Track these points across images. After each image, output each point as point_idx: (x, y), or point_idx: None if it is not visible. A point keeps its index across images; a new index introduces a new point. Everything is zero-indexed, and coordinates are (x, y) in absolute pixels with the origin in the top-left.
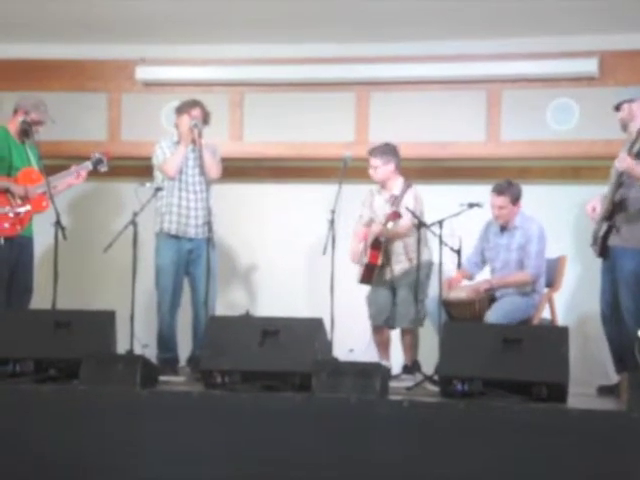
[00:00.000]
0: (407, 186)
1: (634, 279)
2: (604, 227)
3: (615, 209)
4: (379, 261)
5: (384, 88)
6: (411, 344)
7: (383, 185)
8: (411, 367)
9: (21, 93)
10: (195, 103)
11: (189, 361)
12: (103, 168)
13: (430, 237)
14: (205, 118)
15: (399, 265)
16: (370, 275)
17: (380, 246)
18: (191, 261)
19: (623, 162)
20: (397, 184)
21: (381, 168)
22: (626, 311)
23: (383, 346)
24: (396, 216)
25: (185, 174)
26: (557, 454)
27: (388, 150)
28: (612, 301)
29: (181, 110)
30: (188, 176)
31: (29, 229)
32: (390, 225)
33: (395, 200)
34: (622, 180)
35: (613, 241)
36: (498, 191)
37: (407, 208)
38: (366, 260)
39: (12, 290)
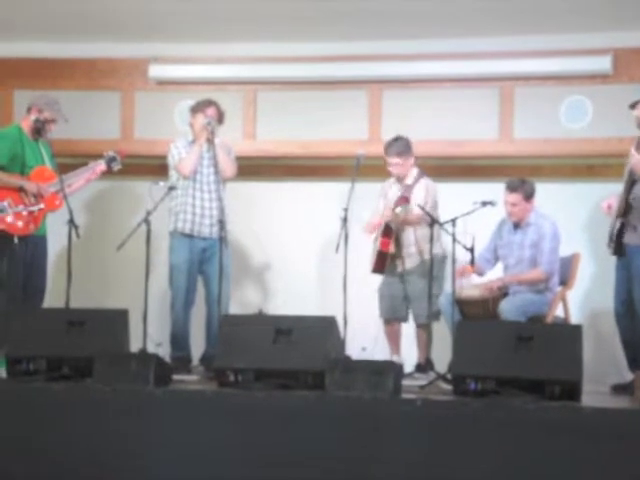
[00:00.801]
0: (420, 176)
1: None
2: (618, 225)
3: (629, 207)
4: (390, 248)
5: (397, 86)
6: (426, 341)
7: (400, 179)
8: (424, 366)
9: (35, 92)
10: (210, 102)
11: (202, 360)
12: (117, 166)
13: (443, 233)
14: (220, 117)
15: (410, 258)
16: (382, 264)
17: (391, 233)
18: (205, 260)
19: (632, 158)
20: (412, 175)
21: (402, 165)
22: None
23: (394, 339)
24: (404, 201)
25: (200, 173)
26: (571, 452)
27: (405, 147)
28: (626, 299)
29: (196, 109)
30: (203, 175)
31: (43, 228)
32: (399, 210)
33: (407, 189)
34: (635, 178)
35: (628, 239)
36: (511, 188)
37: (418, 205)
38: (378, 247)
39: (28, 290)
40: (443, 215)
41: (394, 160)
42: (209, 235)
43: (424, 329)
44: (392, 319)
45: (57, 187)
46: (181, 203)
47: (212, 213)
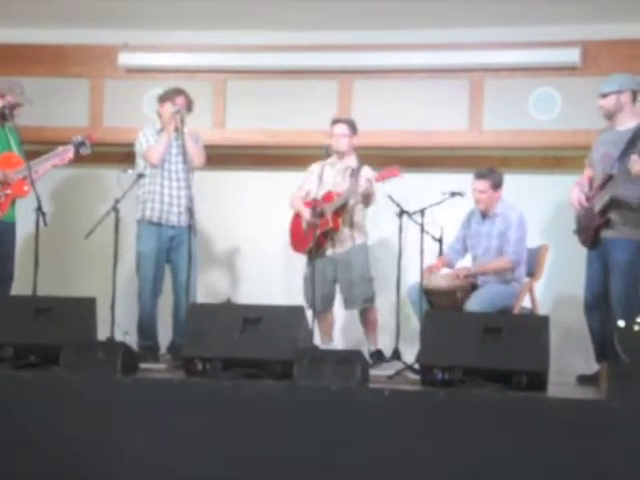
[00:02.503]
0: (361, 162)
1: (628, 269)
2: (598, 220)
3: (612, 204)
4: (340, 226)
5: (367, 76)
6: (376, 323)
7: (341, 156)
8: (379, 353)
9: (4, 78)
10: (179, 91)
11: (170, 349)
12: (86, 151)
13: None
14: (188, 106)
15: (343, 243)
16: (322, 244)
17: (344, 212)
18: (173, 248)
19: (635, 164)
20: (353, 158)
21: (349, 138)
22: (616, 301)
23: (329, 329)
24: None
25: (168, 162)
26: (536, 443)
27: (353, 123)
28: (599, 291)
29: (164, 98)
30: (171, 164)
31: (11, 214)
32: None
33: (353, 172)
34: (613, 172)
35: (607, 233)
36: (479, 175)
37: (389, 196)
38: (330, 226)
39: None
40: (412, 206)
41: (341, 130)
42: (177, 223)
43: (371, 312)
44: (327, 307)
45: (25, 173)
46: (149, 191)
47: (180, 202)
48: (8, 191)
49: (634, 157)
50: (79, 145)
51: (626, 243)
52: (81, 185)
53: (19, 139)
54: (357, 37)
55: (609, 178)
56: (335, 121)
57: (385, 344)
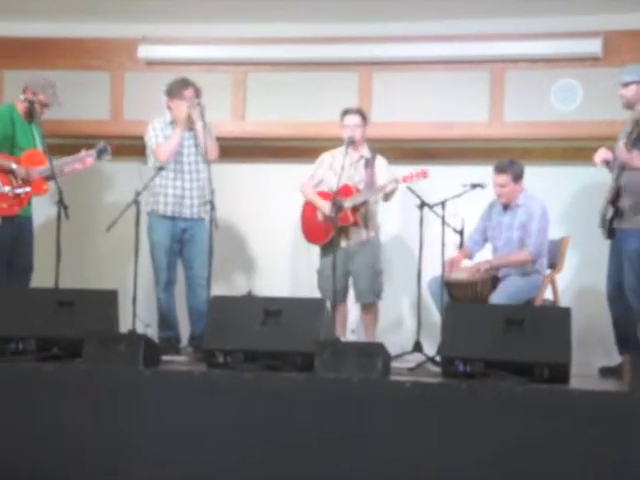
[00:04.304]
0: (373, 152)
1: (638, 259)
2: (610, 211)
3: (619, 192)
4: (358, 219)
5: (387, 68)
6: (377, 318)
7: (355, 147)
8: None
9: (27, 71)
10: (185, 83)
11: (190, 340)
12: (107, 157)
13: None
14: (197, 94)
15: (356, 235)
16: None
17: (362, 207)
18: (185, 240)
19: (621, 153)
20: (365, 148)
21: (362, 128)
22: (631, 292)
23: (344, 322)
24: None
25: (180, 154)
26: (559, 435)
27: (364, 113)
28: (619, 282)
29: (173, 93)
30: (183, 156)
31: (28, 210)
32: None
33: (368, 162)
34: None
35: (618, 223)
36: (499, 169)
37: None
38: (351, 221)
39: (13, 269)
40: (433, 199)
41: (354, 119)
42: (189, 216)
43: (373, 308)
44: (342, 300)
45: (47, 172)
46: (160, 185)
47: (192, 194)
48: (28, 189)
49: (619, 145)
50: (101, 152)
51: (635, 232)
52: (102, 178)
53: (42, 135)
54: (377, 29)
55: (623, 167)
56: (346, 112)
57: (406, 337)
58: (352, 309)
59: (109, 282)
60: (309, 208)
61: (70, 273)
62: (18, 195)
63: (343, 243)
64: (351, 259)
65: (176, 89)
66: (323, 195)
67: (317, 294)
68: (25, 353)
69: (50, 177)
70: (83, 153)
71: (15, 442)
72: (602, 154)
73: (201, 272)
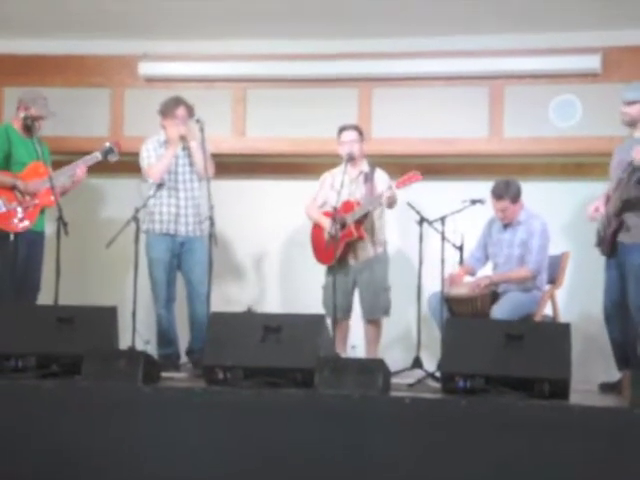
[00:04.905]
0: (372, 166)
1: None
2: (614, 224)
3: (624, 206)
4: (364, 234)
5: (387, 84)
6: (380, 335)
7: (354, 163)
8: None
9: (24, 88)
10: (177, 102)
11: (187, 353)
12: (114, 158)
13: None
14: (190, 112)
15: (363, 252)
16: (345, 254)
17: (365, 220)
18: (183, 254)
19: (637, 154)
20: (364, 163)
21: (359, 144)
22: (636, 309)
23: (344, 338)
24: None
25: (174, 173)
26: (559, 450)
27: (360, 129)
28: (618, 298)
29: (165, 112)
30: (178, 174)
31: (40, 223)
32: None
33: (367, 177)
34: (632, 178)
35: (622, 237)
36: (497, 196)
37: (408, 203)
38: (355, 236)
39: (22, 288)
40: (432, 214)
41: (352, 135)
42: (185, 234)
43: (376, 324)
44: (346, 317)
45: (50, 183)
46: (155, 204)
47: (187, 212)
48: (36, 201)
49: (637, 147)
50: (107, 152)
51: (639, 247)
52: (102, 194)
53: (48, 150)
54: (377, 45)
55: (621, 181)
56: (342, 128)
57: (406, 353)
58: (353, 325)
59: (109, 298)
60: (317, 230)
61: (70, 289)
62: (27, 209)
63: (351, 261)
64: (359, 275)
65: (168, 108)
66: (327, 214)
67: (317, 310)
68: (25, 370)
69: (52, 188)
70: (87, 156)
71: (15, 459)
72: (591, 207)
73: (200, 287)
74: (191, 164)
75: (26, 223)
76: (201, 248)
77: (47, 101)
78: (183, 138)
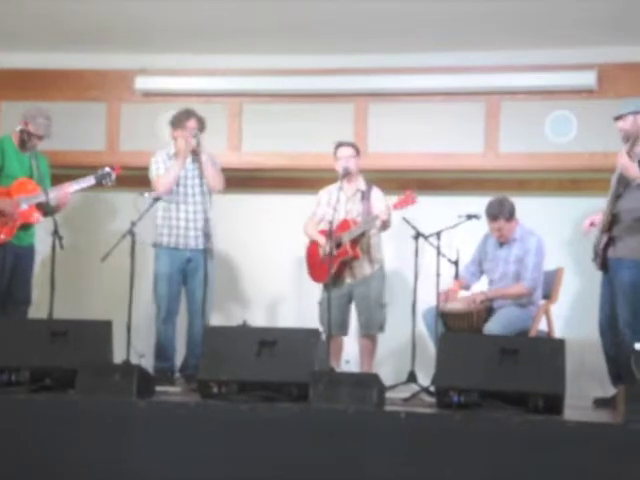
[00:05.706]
0: (369, 184)
1: (631, 290)
2: (604, 239)
3: (613, 221)
4: (359, 253)
5: (383, 99)
6: (375, 350)
7: (350, 179)
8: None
9: (25, 103)
10: (189, 114)
11: (181, 369)
12: (109, 183)
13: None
14: (201, 126)
15: (360, 270)
16: (341, 272)
17: (361, 239)
18: (189, 270)
19: (620, 158)
20: (361, 180)
21: (355, 159)
22: (624, 323)
23: (338, 353)
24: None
25: (184, 186)
26: (553, 466)
27: (356, 145)
28: (611, 314)
29: (176, 124)
30: (187, 187)
31: (28, 238)
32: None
33: (364, 195)
34: (620, 192)
35: (611, 253)
36: (492, 217)
37: (403, 218)
38: (350, 255)
39: (9, 301)
40: (428, 229)
41: (348, 151)
42: (194, 246)
43: (372, 339)
44: (342, 333)
45: (41, 199)
46: (163, 217)
47: (197, 225)
48: (15, 217)
49: (622, 150)
50: (102, 177)
51: (630, 263)
52: (98, 208)
53: (47, 165)
54: (373, 60)
55: (618, 195)
56: (339, 144)
57: (401, 367)
58: (347, 340)
59: (105, 313)
60: (313, 247)
61: (65, 303)
62: (6, 224)
63: (348, 279)
64: (356, 292)
65: (179, 120)
66: (323, 233)
67: (313, 324)
68: (18, 384)
69: (45, 206)
70: (80, 179)
71: (8, 473)
72: (587, 221)
73: (203, 305)
74: (201, 177)
75: (2, 237)
76: (207, 266)
77: (50, 121)
78: (194, 149)
